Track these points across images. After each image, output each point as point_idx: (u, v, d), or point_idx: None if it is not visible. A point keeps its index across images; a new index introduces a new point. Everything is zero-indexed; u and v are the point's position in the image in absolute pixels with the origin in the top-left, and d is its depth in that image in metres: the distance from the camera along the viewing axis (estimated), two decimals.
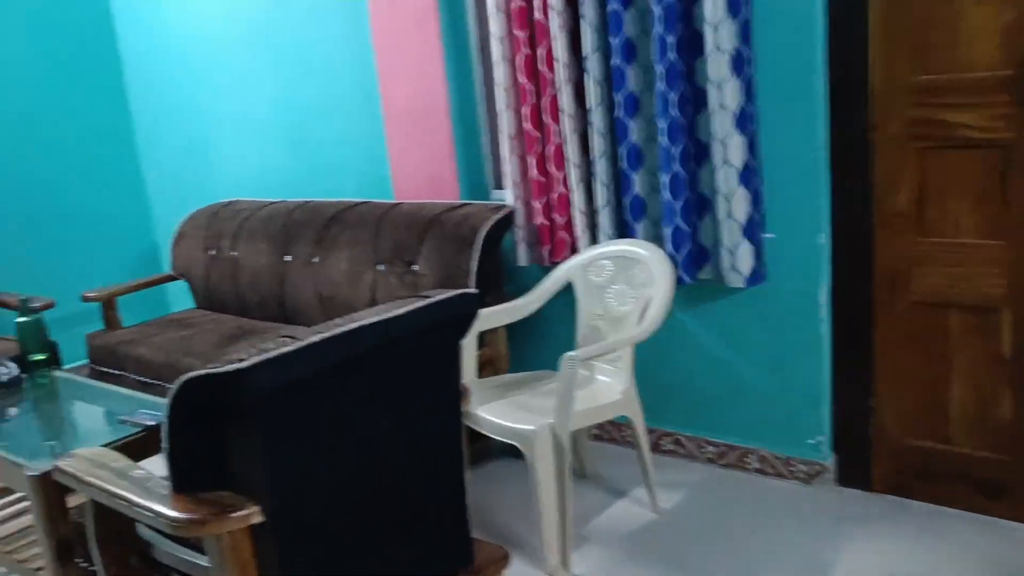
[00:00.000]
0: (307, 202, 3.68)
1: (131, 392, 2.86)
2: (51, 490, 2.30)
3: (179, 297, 4.52)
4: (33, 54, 4.29)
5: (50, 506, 2.32)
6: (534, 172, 3.03)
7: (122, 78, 4.63)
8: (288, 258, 3.58)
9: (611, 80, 2.78)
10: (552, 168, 2.99)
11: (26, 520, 2.88)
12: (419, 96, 3.33)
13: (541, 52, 2.89)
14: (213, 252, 3.89)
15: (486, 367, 3.04)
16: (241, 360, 1.60)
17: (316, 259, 3.47)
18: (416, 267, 3.13)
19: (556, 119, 2.94)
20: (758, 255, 2.68)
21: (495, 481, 3.05)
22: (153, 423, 2.53)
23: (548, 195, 3.06)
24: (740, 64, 2.52)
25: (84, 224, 4.54)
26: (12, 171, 4.26)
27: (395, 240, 3.21)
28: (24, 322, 2.96)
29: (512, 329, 3.06)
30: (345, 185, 3.79)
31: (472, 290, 2.01)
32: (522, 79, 2.96)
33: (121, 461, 1.96)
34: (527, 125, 3.00)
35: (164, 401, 2.74)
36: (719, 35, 2.50)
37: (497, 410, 2.57)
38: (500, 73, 3.00)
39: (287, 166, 4.02)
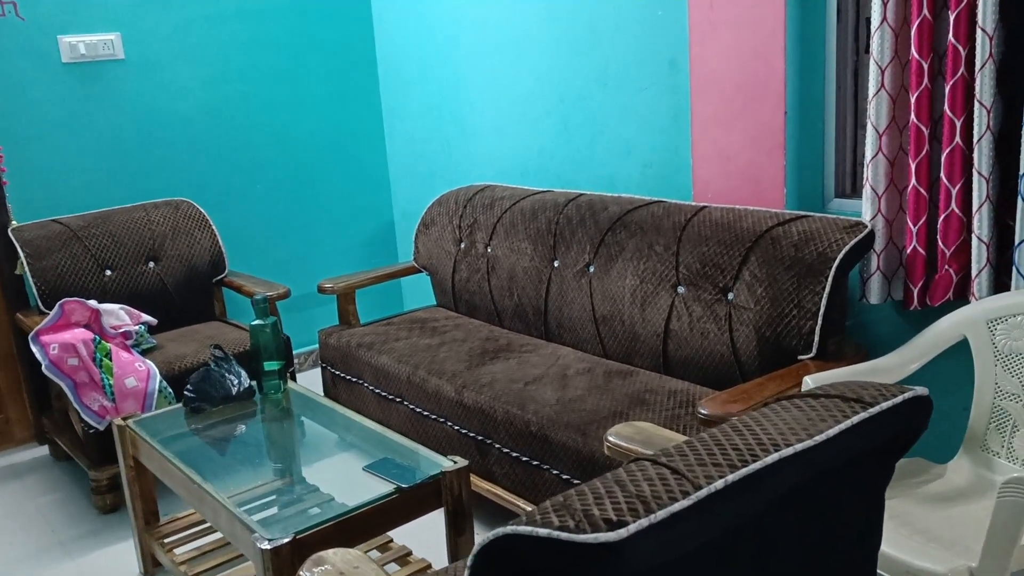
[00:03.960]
0: (581, 195, 3.04)
1: (375, 427, 2.34)
2: (283, 566, 1.80)
3: (416, 290, 4.05)
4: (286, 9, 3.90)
5: None
6: (913, 181, 2.21)
7: (372, 34, 4.16)
8: (556, 263, 2.96)
9: None
10: (943, 177, 2.16)
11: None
12: (746, 65, 2.57)
13: (952, 15, 2.05)
14: (464, 245, 3.34)
15: None
16: (603, 516, 0.97)
17: (592, 268, 2.82)
18: (732, 296, 2.40)
19: (961, 111, 2.09)
20: None
21: None
22: (406, 485, 1.98)
23: (930, 214, 2.23)
24: None
25: (319, 199, 4.14)
26: (251, 138, 3.91)
27: (703, 256, 2.50)
28: (259, 326, 2.51)
29: None
30: (627, 176, 3.11)
31: (922, 391, 1.27)
32: (914, 53, 2.14)
33: None
34: (914, 117, 2.17)
35: (414, 448, 2.21)
36: None
37: None
38: (878, 43, 2.19)
39: (555, 149, 3.38)
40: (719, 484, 1.04)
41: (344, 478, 2.15)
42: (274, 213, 4.01)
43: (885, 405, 1.22)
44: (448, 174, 3.88)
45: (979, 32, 2.00)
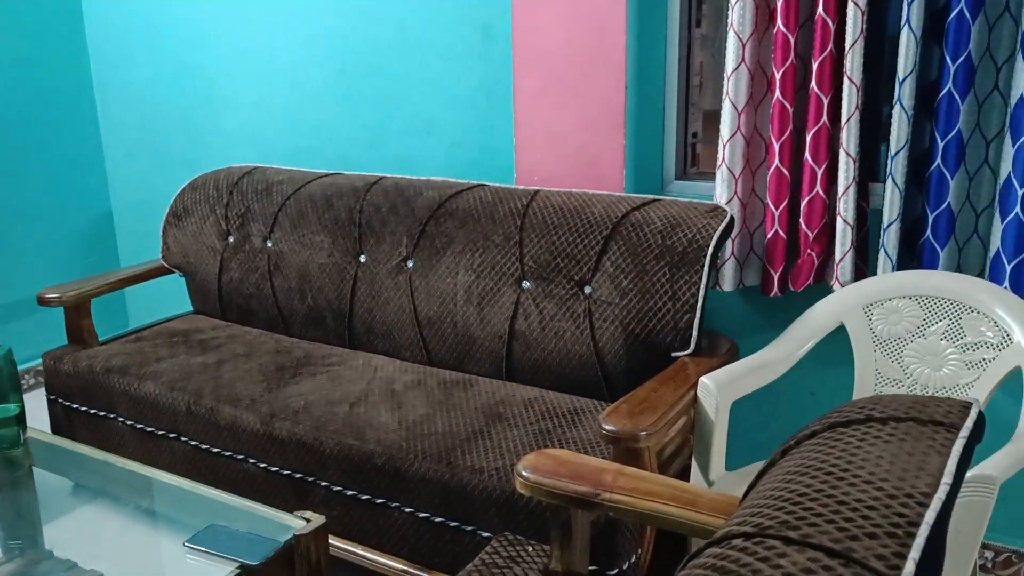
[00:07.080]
0: (383, 178, 2.62)
1: (172, 478, 1.77)
2: None
3: (144, 296, 3.35)
4: None
5: None
6: (776, 162, 2.11)
7: None
8: (363, 259, 2.52)
9: (942, 34, 1.88)
10: (808, 158, 2.07)
11: None
12: (579, 32, 2.32)
13: None
14: (234, 239, 2.77)
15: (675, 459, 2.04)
16: None
17: (411, 263, 2.43)
18: (591, 290, 2.15)
19: (829, 88, 2.01)
20: None
21: None
22: (254, 562, 1.49)
23: (791, 197, 2.14)
24: None
25: (19, 179, 3.28)
26: None
27: (553, 247, 2.22)
28: None
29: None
30: (430, 157, 2.74)
31: (971, 401, 1.10)
32: (780, 25, 2.02)
33: None
34: (779, 95, 2.06)
35: (240, 504, 1.69)
36: None
37: None
38: (738, 13, 2.04)
39: (337, 126, 2.91)
40: (909, 568, 0.76)
41: (158, 560, 1.59)
42: None
43: (970, 425, 1.02)
44: (191, 156, 3.24)
45: (851, 5, 1.92)
